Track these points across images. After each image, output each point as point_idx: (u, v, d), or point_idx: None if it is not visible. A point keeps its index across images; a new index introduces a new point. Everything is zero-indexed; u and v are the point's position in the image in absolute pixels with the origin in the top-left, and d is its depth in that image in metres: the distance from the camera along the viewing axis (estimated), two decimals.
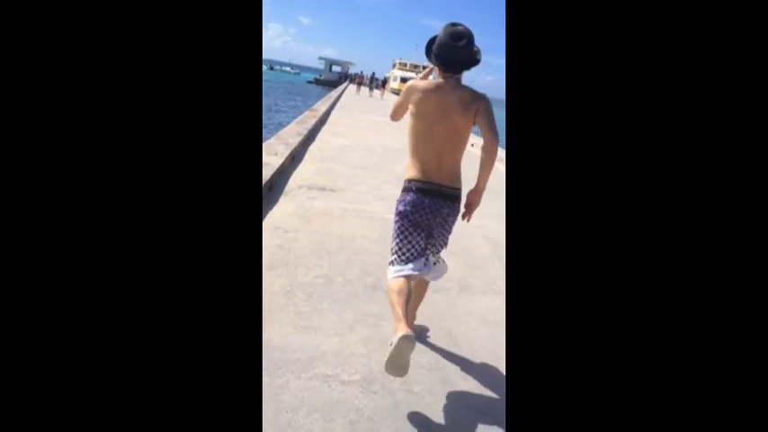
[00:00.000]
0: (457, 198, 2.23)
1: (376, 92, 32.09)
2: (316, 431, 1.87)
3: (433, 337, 2.72)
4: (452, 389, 2.28)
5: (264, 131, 11.83)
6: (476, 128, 2.24)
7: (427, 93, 2.15)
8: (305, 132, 8.72)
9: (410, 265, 2.22)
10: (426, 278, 2.43)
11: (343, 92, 27.63)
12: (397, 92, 42.89)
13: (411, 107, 2.20)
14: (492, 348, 2.66)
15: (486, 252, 4.29)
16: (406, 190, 2.23)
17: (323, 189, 5.54)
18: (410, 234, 2.24)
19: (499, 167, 6.98)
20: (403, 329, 1.90)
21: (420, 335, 2.69)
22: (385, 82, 38.36)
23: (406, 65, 48.57)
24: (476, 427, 2.05)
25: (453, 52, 2.14)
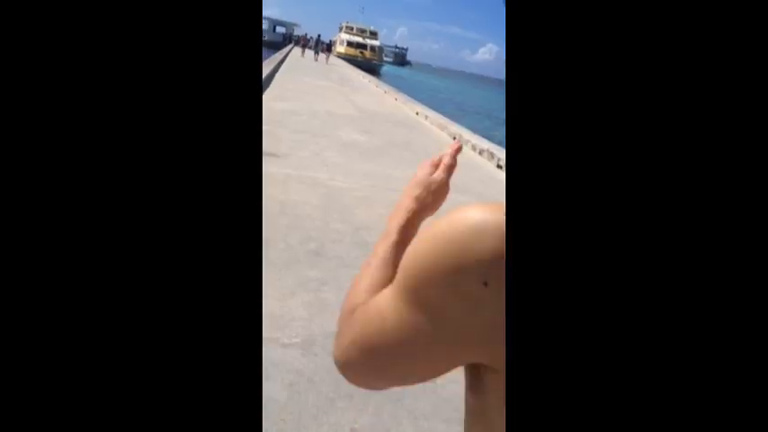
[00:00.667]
0: None
1: (321, 55, 31.37)
2: None
3: None
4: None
5: None
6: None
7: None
8: None
9: None
10: None
11: (287, 54, 26.82)
12: (344, 56, 41.92)
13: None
14: None
15: None
16: None
17: (265, 154, 5.44)
18: None
19: (498, 174, 6.81)
20: None
21: None
22: (331, 45, 37.52)
23: (352, 28, 47.61)
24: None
25: None
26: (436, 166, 0.71)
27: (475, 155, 7.70)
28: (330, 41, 39.30)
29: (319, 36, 33.21)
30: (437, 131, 9.61)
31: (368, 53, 43.81)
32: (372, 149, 6.70)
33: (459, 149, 0.74)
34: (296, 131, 6.87)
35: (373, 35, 46.94)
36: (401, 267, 0.48)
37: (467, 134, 9.04)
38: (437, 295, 0.44)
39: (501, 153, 7.14)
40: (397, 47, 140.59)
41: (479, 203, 0.48)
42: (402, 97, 15.07)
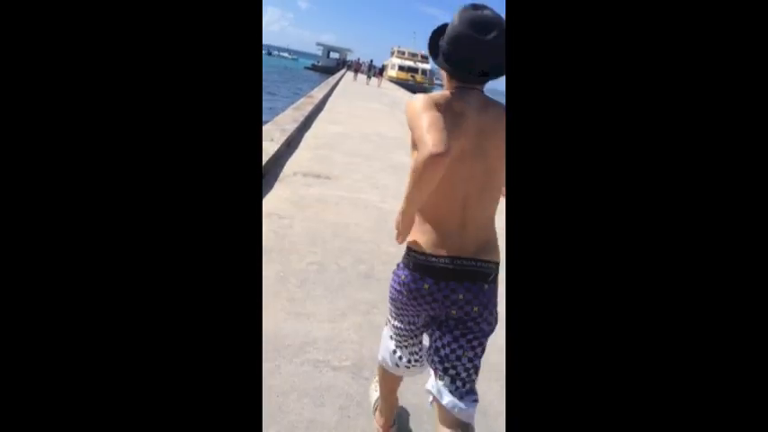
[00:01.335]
0: (488, 276, 1.39)
1: (373, 79, 31.91)
2: (306, 415, 1.89)
3: None
4: None
5: None
6: None
7: (452, 112, 1.31)
8: (301, 119, 8.69)
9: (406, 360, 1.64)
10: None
11: (340, 79, 27.46)
12: (395, 80, 42.53)
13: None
14: (492, 348, 2.68)
15: None
16: (402, 264, 1.47)
17: (318, 176, 5.53)
18: (404, 332, 1.58)
19: None
20: None
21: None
22: (382, 70, 38.10)
23: (404, 53, 48.24)
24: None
25: (478, 50, 1.32)
26: None
27: None
28: (382, 66, 39.93)
29: (371, 61, 33.89)
30: None
31: (419, 77, 44.18)
32: None
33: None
34: (348, 154, 6.97)
35: (424, 59, 47.34)
36: (422, 115, 1.28)
37: None
38: (428, 112, 1.27)
39: None
40: None
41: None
42: None
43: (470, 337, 1.40)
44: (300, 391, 2.02)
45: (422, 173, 1.18)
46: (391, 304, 1.55)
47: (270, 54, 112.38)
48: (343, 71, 42.32)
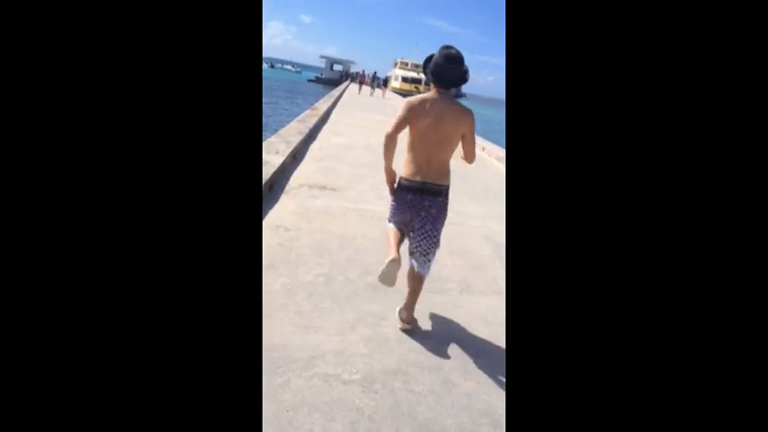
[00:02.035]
0: (439, 193, 2.60)
1: (377, 91, 32.06)
2: (316, 430, 1.87)
3: (433, 338, 2.72)
4: (453, 389, 2.28)
5: (265, 130, 11.81)
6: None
7: (423, 105, 2.56)
8: (306, 131, 8.71)
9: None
10: (416, 267, 2.73)
11: (344, 91, 27.59)
12: (399, 91, 42.88)
13: (410, 119, 2.57)
14: (492, 348, 2.66)
15: (486, 252, 4.29)
16: (397, 186, 2.70)
17: (324, 188, 5.53)
18: (398, 219, 2.74)
19: (499, 167, 6.94)
20: (392, 255, 2.58)
21: (421, 335, 2.69)
22: (386, 81, 38.29)
23: (407, 64, 48.49)
24: (477, 427, 2.05)
25: (446, 71, 2.53)
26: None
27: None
28: (386, 77, 40.13)
29: (375, 73, 34.10)
30: (496, 164, 9.50)
31: (422, 88, 44.39)
32: None
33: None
34: (353, 165, 6.98)
35: None
36: (399, 112, 2.58)
37: None
38: (404, 111, 2.55)
39: (501, 152, 7.52)
40: None
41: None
42: None
43: (429, 227, 2.65)
44: (311, 405, 1.99)
45: (384, 143, 2.60)
46: (390, 210, 2.78)
47: (273, 67, 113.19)
48: (346, 83, 42.56)
